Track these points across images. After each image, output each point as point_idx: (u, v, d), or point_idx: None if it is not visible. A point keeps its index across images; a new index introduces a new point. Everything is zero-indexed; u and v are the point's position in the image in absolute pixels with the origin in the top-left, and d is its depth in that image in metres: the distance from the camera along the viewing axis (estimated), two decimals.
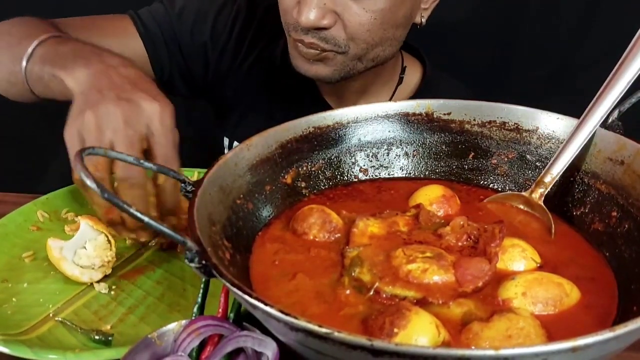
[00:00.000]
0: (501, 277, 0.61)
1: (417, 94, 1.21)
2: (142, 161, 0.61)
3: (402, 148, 0.83)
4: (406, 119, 0.82)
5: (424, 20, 1.09)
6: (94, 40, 1.00)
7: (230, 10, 1.21)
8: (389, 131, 0.83)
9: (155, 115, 0.75)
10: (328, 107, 1.18)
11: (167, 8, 1.20)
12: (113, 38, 1.12)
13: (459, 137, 0.82)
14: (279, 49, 1.20)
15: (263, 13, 1.20)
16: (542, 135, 0.77)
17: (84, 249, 0.82)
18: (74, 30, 1.07)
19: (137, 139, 0.73)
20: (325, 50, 0.99)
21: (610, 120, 0.71)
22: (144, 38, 1.16)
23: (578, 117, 0.72)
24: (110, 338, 0.70)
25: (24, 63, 0.90)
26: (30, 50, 0.89)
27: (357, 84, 1.15)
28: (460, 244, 0.65)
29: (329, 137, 0.80)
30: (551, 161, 0.73)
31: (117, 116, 0.72)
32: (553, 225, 0.70)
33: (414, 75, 1.24)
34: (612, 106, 0.70)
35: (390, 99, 1.20)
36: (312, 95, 1.19)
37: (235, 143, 1.28)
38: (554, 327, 0.55)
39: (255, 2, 1.22)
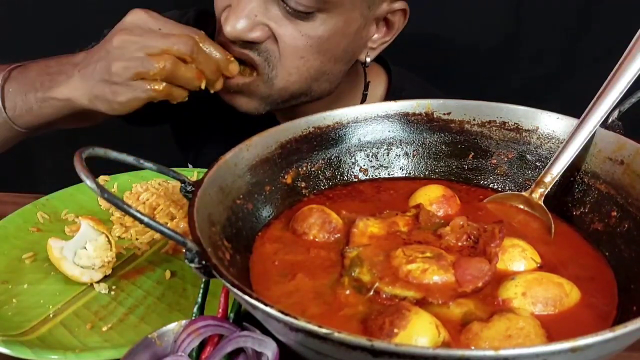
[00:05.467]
0: (501, 277, 0.61)
1: None
2: (141, 161, 0.62)
3: (402, 148, 0.83)
4: (406, 118, 0.82)
5: (369, 59, 1.01)
6: (45, 87, 0.93)
7: None
8: (389, 131, 0.83)
9: (138, 21, 0.82)
10: None
11: None
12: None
13: (458, 137, 0.81)
14: None
15: (213, 28, 1.00)
16: (542, 135, 0.77)
17: (84, 249, 0.82)
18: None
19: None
20: (254, 63, 0.91)
21: (610, 120, 0.71)
22: None
23: (578, 117, 0.72)
24: None
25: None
26: None
27: (311, 109, 1.03)
28: (460, 244, 0.65)
29: (329, 137, 0.80)
30: (551, 161, 0.73)
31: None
32: (553, 225, 0.70)
33: (378, 87, 1.16)
34: (612, 106, 0.70)
35: None
36: (268, 121, 1.07)
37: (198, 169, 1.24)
38: (554, 327, 0.55)
39: (207, 14, 1.08)
